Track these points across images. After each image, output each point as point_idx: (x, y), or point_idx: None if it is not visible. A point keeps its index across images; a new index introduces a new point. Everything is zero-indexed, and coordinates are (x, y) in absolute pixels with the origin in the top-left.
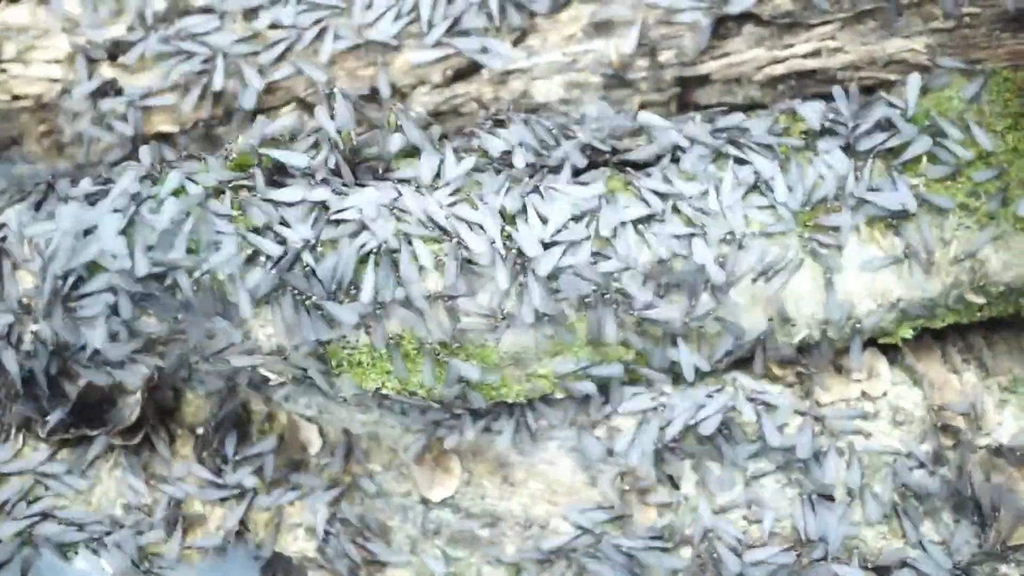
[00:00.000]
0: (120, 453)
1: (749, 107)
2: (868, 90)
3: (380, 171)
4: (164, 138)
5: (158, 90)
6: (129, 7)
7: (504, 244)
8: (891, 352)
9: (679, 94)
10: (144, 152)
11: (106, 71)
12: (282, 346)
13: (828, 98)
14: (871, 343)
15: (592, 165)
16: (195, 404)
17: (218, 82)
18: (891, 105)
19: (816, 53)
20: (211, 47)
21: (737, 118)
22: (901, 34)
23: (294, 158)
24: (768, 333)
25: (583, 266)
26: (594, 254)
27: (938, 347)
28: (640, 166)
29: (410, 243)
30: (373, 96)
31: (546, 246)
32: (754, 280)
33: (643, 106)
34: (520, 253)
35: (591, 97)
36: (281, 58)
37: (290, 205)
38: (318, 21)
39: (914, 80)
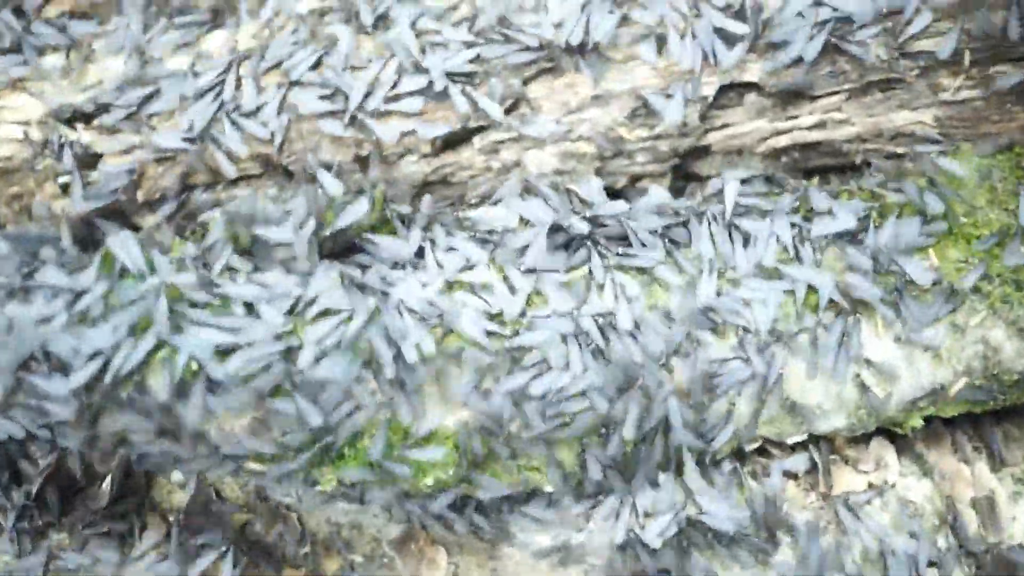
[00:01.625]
0: (89, 541)
1: (750, 179)
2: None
3: (361, 248)
4: (140, 206)
5: (134, 156)
6: (105, 69)
7: (493, 329)
8: (899, 441)
9: (678, 165)
10: (111, 235)
11: (80, 135)
12: (259, 444)
13: (833, 170)
14: (879, 432)
15: (583, 242)
16: (167, 488)
17: (197, 150)
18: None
19: (821, 125)
20: (189, 113)
21: (746, 198)
22: (910, 106)
23: (275, 233)
24: (775, 424)
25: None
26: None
27: (948, 435)
28: (634, 243)
29: (393, 327)
30: (357, 162)
31: (533, 328)
32: (759, 371)
33: (640, 177)
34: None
35: (586, 168)
36: (261, 125)
37: (266, 289)
38: (301, 87)
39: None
